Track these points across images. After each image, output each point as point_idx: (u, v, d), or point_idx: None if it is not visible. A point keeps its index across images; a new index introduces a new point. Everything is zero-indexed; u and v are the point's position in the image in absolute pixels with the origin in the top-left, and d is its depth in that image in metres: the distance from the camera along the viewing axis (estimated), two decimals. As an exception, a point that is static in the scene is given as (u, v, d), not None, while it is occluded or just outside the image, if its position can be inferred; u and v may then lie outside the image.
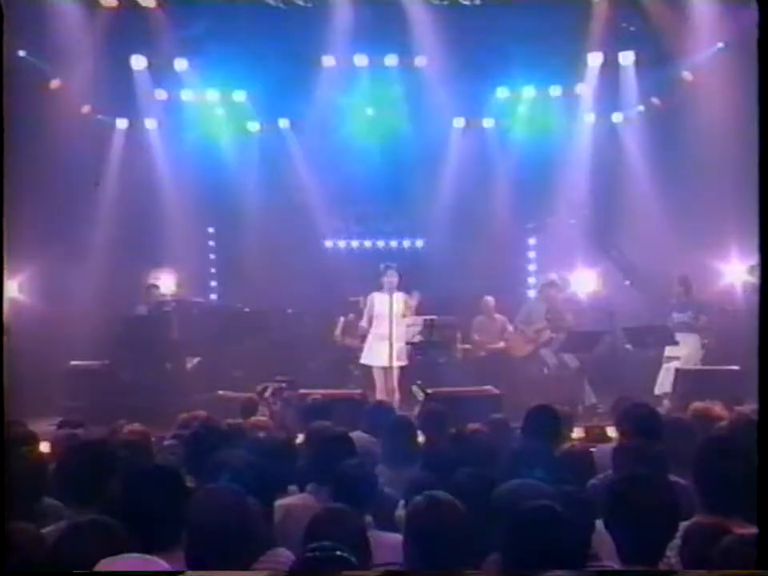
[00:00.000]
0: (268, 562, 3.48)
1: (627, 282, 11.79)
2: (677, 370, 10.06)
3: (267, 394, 8.77)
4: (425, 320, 10.04)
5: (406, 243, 13.71)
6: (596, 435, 6.62)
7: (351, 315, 11.50)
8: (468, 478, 4.02)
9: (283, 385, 9.15)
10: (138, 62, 12.26)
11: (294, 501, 4.50)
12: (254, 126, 13.22)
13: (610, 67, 12.41)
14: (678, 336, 10.37)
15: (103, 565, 2.96)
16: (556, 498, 3.48)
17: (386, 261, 10.53)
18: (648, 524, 3.29)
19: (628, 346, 10.92)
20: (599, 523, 3.56)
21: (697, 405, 6.08)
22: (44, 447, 5.56)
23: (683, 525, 3.48)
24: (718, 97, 10.71)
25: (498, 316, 12.08)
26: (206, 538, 3.20)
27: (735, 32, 10.24)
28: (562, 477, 4.07)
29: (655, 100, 12.59)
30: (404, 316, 9.98)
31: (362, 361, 10.38)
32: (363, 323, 10.28)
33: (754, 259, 9.65)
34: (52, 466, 4.37)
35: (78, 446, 4.41)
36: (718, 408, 6.03)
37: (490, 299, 12.05)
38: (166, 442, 5.93)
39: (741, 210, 8.78)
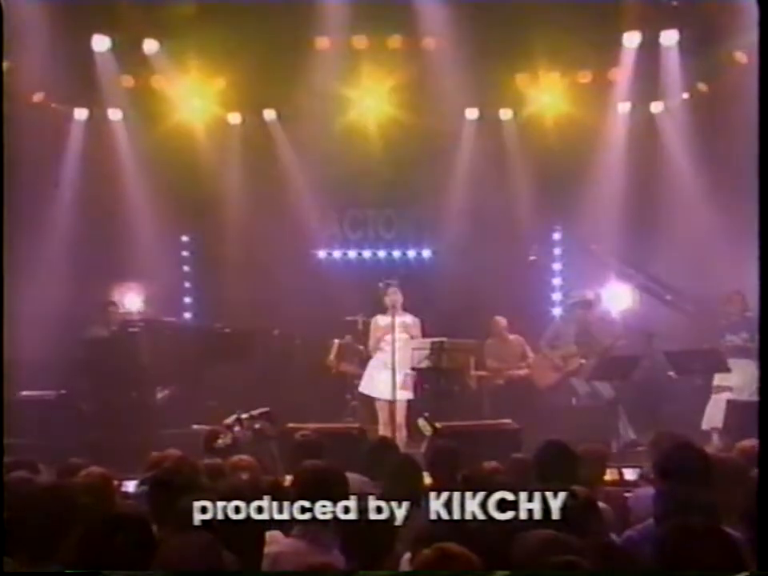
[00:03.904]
0: None
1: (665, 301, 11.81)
2: (728, 402, 10.05)
3: (230, 421, 8.77)
4: (433, 342, 10.05)
5: (411, 253, 13.71)
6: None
7: (348, 337, 11.53)
8: (483, 527, 4.02)
9: (254, 414, 9.11)
10: (101, 43, 12.27)
11: (282, 548, 4.52)
12: (235, 118, 13.26)
13: (649, 48, 12.39)
14: (731, 362, 10.37)
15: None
16: (585, 552, 3.48)
17: (387, 274, 10.55)
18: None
19: (671, 373, 10.92)
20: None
21: (744, 443, 6.06)
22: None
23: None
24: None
25: (512, 337, 12.10)
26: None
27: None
28: (591, 526, 4.07)
29: (702, 86, 12.59)
30: (411, 338, 10.00)
31: (361, 389, 10.40)
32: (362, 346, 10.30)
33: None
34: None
35: (27, 494, 4.41)
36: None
37: (500, 319, 12.06)
38: (132, 487, 5.93)
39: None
